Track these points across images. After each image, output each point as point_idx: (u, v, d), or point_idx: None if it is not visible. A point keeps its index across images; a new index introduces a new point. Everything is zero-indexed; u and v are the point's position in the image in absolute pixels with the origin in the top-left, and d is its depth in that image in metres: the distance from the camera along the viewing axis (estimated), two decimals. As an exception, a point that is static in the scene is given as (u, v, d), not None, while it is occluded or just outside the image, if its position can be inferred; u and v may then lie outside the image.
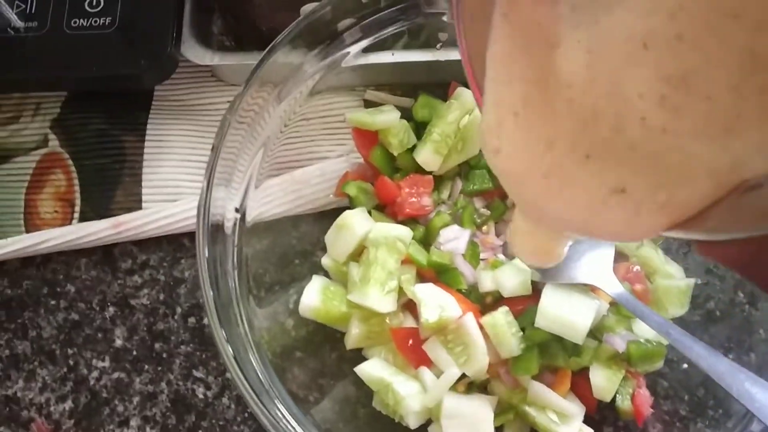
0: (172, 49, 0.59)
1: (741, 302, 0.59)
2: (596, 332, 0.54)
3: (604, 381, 0.53)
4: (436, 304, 0.53)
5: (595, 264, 0.54)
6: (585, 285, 0.53)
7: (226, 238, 0.51)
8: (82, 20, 0.58)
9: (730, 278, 0.59)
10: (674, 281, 0.57)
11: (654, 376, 0.57)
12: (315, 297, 0.56)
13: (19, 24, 0.58)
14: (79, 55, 0.58)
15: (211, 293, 0.46)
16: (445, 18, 0.56)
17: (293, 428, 0.46)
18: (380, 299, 0.54)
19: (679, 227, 0.22)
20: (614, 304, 0.55)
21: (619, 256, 0.56)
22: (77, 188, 0.65)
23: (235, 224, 0.53)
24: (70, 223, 0.64)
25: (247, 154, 0.54)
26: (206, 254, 0.47)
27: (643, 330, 0.55)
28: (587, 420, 0.54)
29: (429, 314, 0.52)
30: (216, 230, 0.50)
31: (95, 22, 0.58)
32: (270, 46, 0.52)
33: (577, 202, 0.23)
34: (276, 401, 0.47)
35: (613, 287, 0.52)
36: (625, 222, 0.23)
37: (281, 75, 0.54)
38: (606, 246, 0.55)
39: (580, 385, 0.54)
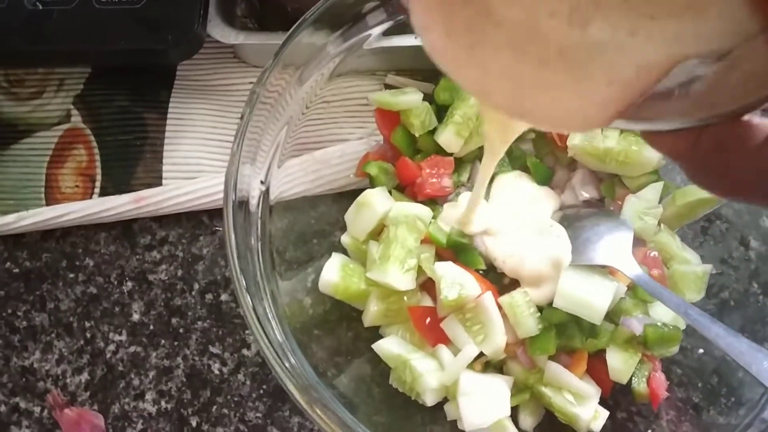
0: (199, 26, 0.59)
1: (755, 293, 0.59)
2: (613, 315, 0.55)
3: (620, 363, 0.54)
4: (456, 282, 0.53)
5: (614, 246, 0.54)
6: (603, 267, 0.54)
7: (251, 214, 0.52)
8: (110, -5, 0.59)
9: (745, 269, 0.60)
10: (691, 267, 0.57)
11: (668, 364, 0.57)
12: (335, 273, 0.56)
13: (48, -3, 0.59)
14: (108, 29, 0.59)
15: (239, 265, 0.47)
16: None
17: (321, 401, 0.46)
18: (399, 277, 0.54)
19: (619, 117, 0.23)
20: (631, 288, 0.56)
21: (637, 241, 0.57)
22: (98, 163, 0.65)
23: (258, 201, 0.53)
24: (90, 198, 0.64)
25: (269, 134, 0.54)
26: (234, 226, 0.48)
27: (660, 314, 0.56)
28: (601, 404, 0.55)
29: (449, 291, 0.52)
30: (241, 205, 0.51)
31: (124, -3, 0.59)
32: (295, 25, 0.52)
33: (522, 98, 0.24)
34: (300, 372, 0.47)
35: (632, 269, 0.53)
36: (565, 116, 0.24)
37: (304, 56, 0.54)
38: (624, 230, 0.56)
39: (596, 368, 0.55)
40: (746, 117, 0.23)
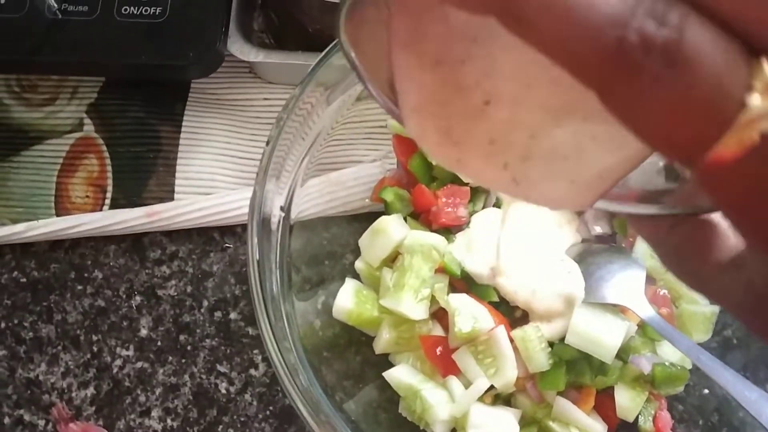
0: (221, 43, 0.59)
1: (758, 332, 0.60)
2: (622, 353, 0.55)
3: (628, 401, 0.54)
4: (470, 314, 0.53)
5: (627, 285, 0.55)
6: (615, 306, 0.54)
7: (271, 234, 0.52)
8: (132, 8, 0.58)
9: (749, 307, 0.61)
10: (699, 307, 0.58)
11: (670, 400, 0.58)
12: (349, 300, 0.56)
13: (70, 8, 0.58)
14: (128, 42, 0.58)
15: (259, 287, 0.47)
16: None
17: (331, 423, 0.46)
18: (413, 306, 0.54)
19: (600, 200, 0.24)
20: (641, 326, 0.56)
21: (647, 279, 0.57)
22: (110, 174, 0.65)
23: (279, 220, 0.53)
24: (100, 209, 0.64)
25: (294, 153, 0.54)
26: (257, 247, 0.48)
27: (668, 353, 0.56)
28: (605, 439, 0.55)
29: (463, 324, 0.53)
30: (263, 225, 0.51)
31: (146, 11, 0.58)
32: (328, 47, 0.52)
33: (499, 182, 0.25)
34: (314, 395, 0.48)
35: (645, 310, 0.53)
36: (550, 201, 0.25)
37: (333, 78, 0.54)
38: (637, 269, 0.56)
39: (603, 404, 0.55)
40: (715, 218, 0.24)
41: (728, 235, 0.24)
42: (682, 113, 0.16)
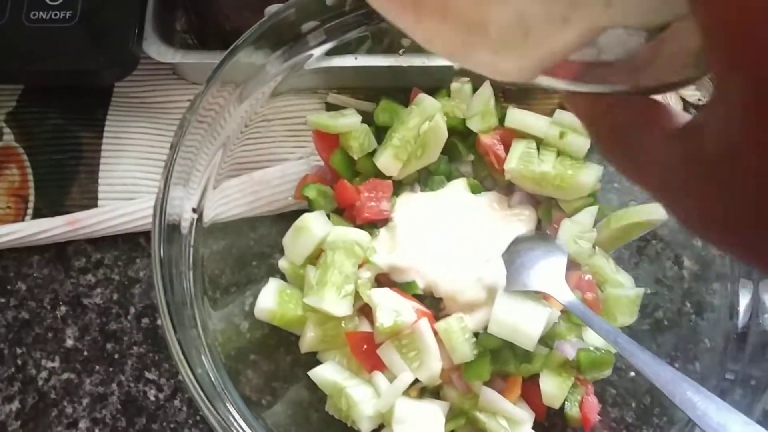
0: (134, 45, 0.58)
1: (688, 312, 0.61)
2: (547, 339, 0.55)
3: (553, 388, 0.54)
4: (392, 308, 0.53)
5: (548, 272, 0.55)
6: (537, 293, 0.54)
7: (182, 238, 0.51)
8: (42, 13, 0.57)
9: (678, 288, 0.61)
10: (624, 290, 0.58)
11: (602, 384, 0.58)
12: (271, 300, 0.56)
13: (-25, 15, 0.57)
14: (38, 48, 0.57)
15: (164, 294, 0.46)
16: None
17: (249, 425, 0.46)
18: (336, 303, 0.54)
19: (542, 74, 0.24)
20: (565, 312, 0.56)
21: (572, 265, 0.57)
22: (31, 184, 0.64)
23: (191, 224, 0.52)
24: (23, 220, 0.62)
25: (206, 153, 0.53)
26: (161, 254, 0.47)
27: (593, 338, 0.56)
28: (536, 427, 0.55)
29: (384, 319, 0.52)
30: (172, 230, 0.50)
31: (55, 15, 0.57)
32: (233, 45, 0.52)
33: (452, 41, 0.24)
34: (228, 404, 0.47)
35: (565, 295, 0.53)
36: (492, 63, 0.24)
37: (243, 75, 0.54)
38: (559, 255, 0.56)
39: (530, 392, 0.55)
40: (664, 101, 0.23)
41: (676, 113, 0.23)
42: None
